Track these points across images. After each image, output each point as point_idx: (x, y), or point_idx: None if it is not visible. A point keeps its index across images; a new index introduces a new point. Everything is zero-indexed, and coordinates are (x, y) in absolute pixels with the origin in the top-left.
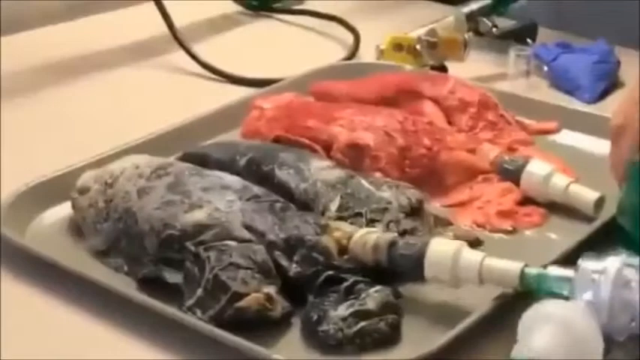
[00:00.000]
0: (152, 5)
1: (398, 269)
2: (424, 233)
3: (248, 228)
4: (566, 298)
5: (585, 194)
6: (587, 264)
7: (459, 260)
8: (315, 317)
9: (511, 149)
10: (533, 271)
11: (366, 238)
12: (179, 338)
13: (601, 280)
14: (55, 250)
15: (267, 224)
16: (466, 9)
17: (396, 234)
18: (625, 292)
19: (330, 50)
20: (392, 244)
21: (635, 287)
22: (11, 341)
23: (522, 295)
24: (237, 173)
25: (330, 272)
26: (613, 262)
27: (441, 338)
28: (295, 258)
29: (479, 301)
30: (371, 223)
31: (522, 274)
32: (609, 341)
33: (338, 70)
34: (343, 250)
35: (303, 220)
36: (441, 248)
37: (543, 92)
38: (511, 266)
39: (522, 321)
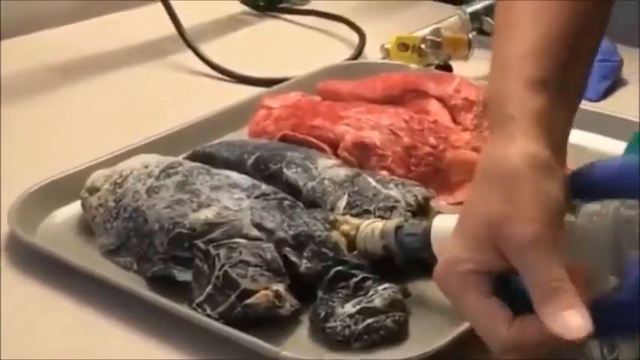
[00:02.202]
0: (159, 6)
1: (407, 252)
2: None
3: (257, 226)
4: None
5: None
6: (586, 209)
7: None
8: (322, 314)
9: None
10: None
11: (373, 226)
12: (188, 335)
13: (600, 220)
14: (65, 248)
15: (276, 222)
16: (470, 8)
17: (401, 219)
18: (628, 226)
19: (336, 50)
20: (398, 228)
21: (636, 221)
22: (21, 339)
23: None
24: (245, 172)
25: (340, 267)
26: (610, 203)
27: (447, 336)
28: (305, 254)
29: None
30: None
31: None
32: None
33: (344, 69)
34: (352, 244)
35: (312, 216)
36: (445, 222)
37: None
38: None
39: None
